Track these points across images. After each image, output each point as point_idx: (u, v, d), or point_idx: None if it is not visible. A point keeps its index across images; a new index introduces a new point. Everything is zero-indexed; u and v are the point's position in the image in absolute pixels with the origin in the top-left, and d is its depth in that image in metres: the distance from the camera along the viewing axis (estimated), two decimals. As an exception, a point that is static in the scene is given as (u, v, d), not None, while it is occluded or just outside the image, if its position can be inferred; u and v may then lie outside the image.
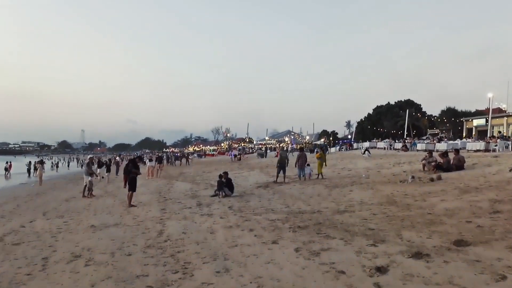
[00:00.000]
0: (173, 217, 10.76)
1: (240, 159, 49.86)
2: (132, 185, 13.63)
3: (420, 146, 36.48)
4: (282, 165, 19.76)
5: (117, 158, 53.93)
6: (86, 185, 17.48)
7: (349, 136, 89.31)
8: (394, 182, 15.73)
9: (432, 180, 14.89)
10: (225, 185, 15.28)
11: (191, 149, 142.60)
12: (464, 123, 59.85)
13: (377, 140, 51.31)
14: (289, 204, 12.20)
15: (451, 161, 17.49)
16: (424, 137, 54.46)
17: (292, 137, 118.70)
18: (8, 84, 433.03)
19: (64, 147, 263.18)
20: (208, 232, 8.59)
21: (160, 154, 56.44)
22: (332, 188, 15.63)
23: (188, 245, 7.51)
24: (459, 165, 17.30)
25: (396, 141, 45.92)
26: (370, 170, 21.33)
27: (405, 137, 50.82)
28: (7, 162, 39.34)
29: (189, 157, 57.78)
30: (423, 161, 18.60)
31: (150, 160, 31.92)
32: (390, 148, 41.24)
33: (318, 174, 20.19)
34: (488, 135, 43.09)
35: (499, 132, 40.02)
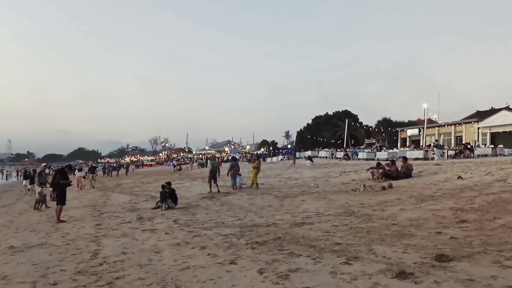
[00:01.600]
0: (110, 234, 9.41)
1: (180, 169, 48.17)
2: (60, 198, 12.05)
3: (361, 155, 36.92)
4: (213, 174, 19.16)
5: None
6: (36, 198, 16.07)
7: (289, 146, 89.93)
8: (345, 191, 15.23)
9: (384, 188, 14.53)
10: (168, 196, 14.03)
11: (127, 159, 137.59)
12: (399, 133, 62.01)
13: (319, 150, 51.62)
14: (240, 216, 11.22)
15: (400, 169, 17.34)
16: (362, 147, 55.66)
17: (232, 147, 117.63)
18: None
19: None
20: (152, 251, 7.39)
21: (93, 164, 53.35)
22: (282, 198, 14.86)
23: (129, 268, 6.30)
24: (407, 173, 17.19)
25: (337, 150, 46.36)
26: (318, 179, 20.86)
27: (344, 146, 51.53)
28: None
29: (130, 167, 55.35)
30: (371, 170, 18.37)
31: (80, 170, 29.85)
32: (332, 157, 41.49)
33: (252, 183, 19.52)
34: (423, 144, 44.66)
35: (436, 140, 41.48)
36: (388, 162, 18.54)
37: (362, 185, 15.19)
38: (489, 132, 48.42)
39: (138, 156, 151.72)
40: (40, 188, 16.16)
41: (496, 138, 47.22)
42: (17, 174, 60.39)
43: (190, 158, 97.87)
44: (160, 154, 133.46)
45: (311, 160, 33.28)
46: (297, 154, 51.78)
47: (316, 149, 53.81)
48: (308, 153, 46.65)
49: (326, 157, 42.33)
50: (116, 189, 25.24)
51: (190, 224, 10.23)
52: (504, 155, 31.24)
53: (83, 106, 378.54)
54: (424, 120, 43.06)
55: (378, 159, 31.79)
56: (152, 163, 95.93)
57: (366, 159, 34.85)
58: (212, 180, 19.03)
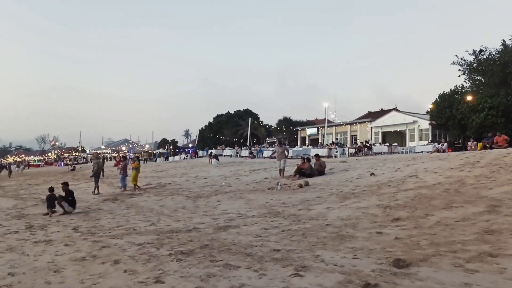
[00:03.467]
0: (-11, 249, 7.58)
1: (74, 169, 44.37)
2: None
3: (266, 153, 36.92)
4: (97, 174, 18.57)
5: None
6: None
7: (190, 145, 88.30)
8: (261, 190, 14.57)
9: (300, 186, 14.12)
10: (65, 199, 12.17)
11: (11, 159, 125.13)
12: (299, 132, 63.85)
13: (223, 148, 50.96)
14: (152, 220, 9.91)
15: (313, 167, 17.15)
16: (264, 145, 56.22)
17: (130, 145, 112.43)
18: None
19: None
20: (50, 270, 5.88)
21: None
22: (195, 198, 13.77)
23: (20, 296, 4.84)
24: (321, 170, 17.06)
25: (242, 148, 46.09)
26: (228, 178, 20.02)
27: (248, 144, 51.48)
28: None
29: (20, 166, 50.05)
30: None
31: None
32: (237, 156, 41.05)
33: (134, 186, 18.25)
34: (323, 143, 46.24)
35: (336, 139, 43.09)
36: (303, 159, 18.28)
37: (278, 184, 14.64)
38: (381, 132, 51.71)
39: (23, 156, 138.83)
40: None
41: (386, 137, 50.58)
42: None
43: (84, 157, 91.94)
44: (49, 154, 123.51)
45: (217, 159, 32.41)
46: (200, 153, 50.78)
47: (219, 147, 53.12)
48: (212, 151, 45.77)
49: (231, 155, 41.80)
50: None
51: (95, 232, 8.71)
52: (398, 152, 33.14)
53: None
54: (325, 119, 44.55)
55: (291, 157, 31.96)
56: (40, 163, 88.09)
57: (271, 157, 34.88)
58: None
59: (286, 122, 69.31)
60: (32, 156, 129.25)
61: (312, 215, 9.23)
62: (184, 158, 49.59)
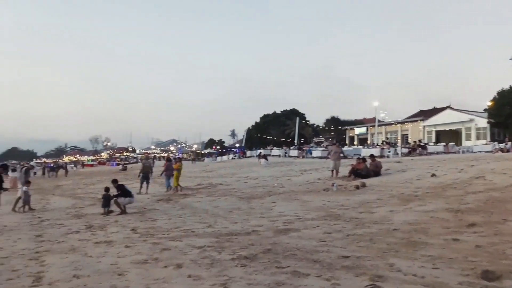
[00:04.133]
0: (54, 249, 7.64)
1: (125, 169, 45.56)
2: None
3: (315, 153, 36.37)
4: (145, 175, 18.61)
5: None
6: (19, 197, 13.71)
7: (237, 145, 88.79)
8: (316, 191, 14.19)
9: (357, 187, 13.62)
10: (119, 195, 12.28)
11: (66, 159, 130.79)
12: (347, 131, 62.64)
13: (271, 148, 50.77)
14: (209, 222, 9.76)
15: (369, 167, 16.57)
16: (312, 145, 55.54)
17: (179, 146, 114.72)
18: None
19: None
20: (113, 273, 5.80)
21: (26, 164, 49.59)
22: (248, 200, 13.56)
23: (87, 300, 4.75)
24: (376, 171, 16.47)
25: (290, 148, 45.68)
26: (279, 179, 19.74)
27: (296, 145, 50.97)
28: None
29: (77, 166, 52.11)
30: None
31: (13, 170, 27.25)
32: (285, 156, 40.74)
33: (176, 187, 18.15)
34: (372, 143, 45.00)
35: (387, 138, 41.90)
36: (359, 159, 17.68)
37: (333, 185, 14.19)
38: (434, 131, 49.76)
39: (77, 156, 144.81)
40: (25, 187, 14.05)
41: (440, 136, 48.56)
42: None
43: (134, 157, 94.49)
44: (102, 154, 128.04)
45: (266, 159, 32.21)
46: (248, 152, 50.82)
47: (268, 147, 52.93)
48: (261, 151, 45.65)
49: (279, 155, 41.54)
50: (56, 192, 22.83)
51: (153, 234, 8.65)
52: (454, 152, 31.67)
53: (9, 102, 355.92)
54: (375, 118, 43.36)
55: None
56: (94, 163, 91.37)
57: (321, 157, 34.31)
58: (145, 181, 18.40)
59: (333, 122, 68.15)
60: (86, 156, 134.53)
61: (375, 218, 8.77)
62: (232, 158, 49.83)
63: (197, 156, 72.28)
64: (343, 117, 74.07)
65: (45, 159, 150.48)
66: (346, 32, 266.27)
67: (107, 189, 12.97)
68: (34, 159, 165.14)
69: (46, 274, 5.87)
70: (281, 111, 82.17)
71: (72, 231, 9.53)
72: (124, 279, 5.48)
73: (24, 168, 16.12)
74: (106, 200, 12.49)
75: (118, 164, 69.18)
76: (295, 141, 54.19)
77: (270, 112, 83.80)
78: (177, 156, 47.85)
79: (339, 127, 64.08)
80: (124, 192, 12.39)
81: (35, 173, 31.50)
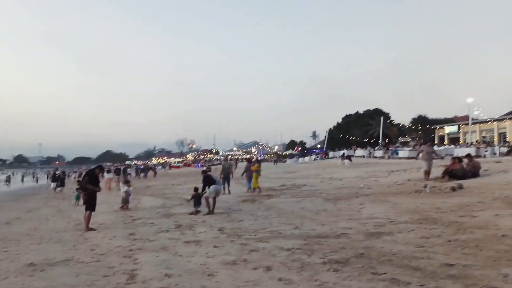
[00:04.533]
0: (146, 247, 7.85)
1: (210, 170, 46.76)
2: (89, 203, 10.60)
3: (402, 153, 34.74)
4: (226, 176, 18.65)
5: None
6: (123, 196, 15.18)
7: (318, 146, 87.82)
8: (407, 193, 13.38)
9: (453, 189, 12.61)
10: (204, 186, 12.70)
11: (155, 161, 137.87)
12: (436, 130, 59.21)
13: (355, 148, 49.50)
14: (296, 223, 9.51)
15: (465, 167, 15.34)
16: (397, 145, 53.26)
17: (260, 147, 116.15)
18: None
19: (20, 161, 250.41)
20: (204, 273, 5.77)
21: (119, 166, 52.88)
22: (334, 201, 13.12)
23: (179, 300, 4.72)
24: (475, 172, 15.19)
25: (375, 148, 44.16)
26: (365, 180, 19.00)
27: (380, 145, 49.16)
28: None
29: (167, 167, 54.79)
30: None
31: (108, 171, 29.11)
32: (369, 156, 39.43)
33: (255, 188, 17.95)
34: (465, 142, 42.06)
35: (484, 137, 38.94)
36: (454, 159, 16.42)
37: (427, 186, 13.30)
38: (537, 128, 45.42)
39: (165, 157, 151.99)
40: (126, 187, 15.19)
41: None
42: (47, 177, 60.18)
43: (218, 159, 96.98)
44: (187, 156, 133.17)
45: (350, 160, 31.35)
46: (331, 154, 49.92)
47: (352, 147, 51.59)
48: (344, 152, 44.63)
49: (363, 156, 40.29)
50: (146, 192, 23.91)
51: (240, 234, 8.59)
52: None
53: (105, 109, 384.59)
54: (469, 116, 40.47)
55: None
56: (180, 164, 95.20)
57: (408, 158, 32.68)
58: (225, 182, 18.42)
59: (420, 121, 64.73)
60: (172, 158, 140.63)
61: (478, 223, 7.97)
62: (314, 159, 49.27)
63: (279, 157, 72.39)
64: (430, 115, 70.14)
65: (136, 161, 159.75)
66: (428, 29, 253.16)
67: (196, 189, 13.36)
68: (126, 162, 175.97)
69: (139, 272, 5.99)
70: (364, 111, 79.85)
71: (163, 230, 9.79)
72: (214, 280, 5.41)
73: (123, 168, 17.19)
74: (197, 199, 12.85)
75: (202, 166, 71.45)
76: (380, 141, 52.25)
77: (352, 112, 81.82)
78: (254, 158, 48.54)
79: (427, 126, 60.71)
80: (209, 181, 12.66)
81: (129, 174, 33.69)
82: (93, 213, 10.78)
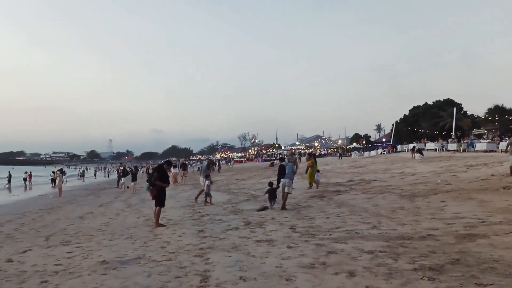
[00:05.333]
0: (217, 246, 7.56)
1: (273, 164, 46.50)
2: (159, 199, 10.55)
3: (479, 146, 32.48)
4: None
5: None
6: (202, 190, 15.29)
7: (384, 139, 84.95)
8: (493, 189, 12.19)
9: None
10: (279, 177, 12.71)
11: (218, 156, 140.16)
12: (515, 121, 55.10)
13: (425, 141, 47.16)
14: (372, 222, 8.86)
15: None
16: (472, 137, 50.13)
17: (323, 141, 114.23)
18: (38, 98, 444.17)
19: (93, 157, 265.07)
20: (280, 277, 5.34)
21: (185, 161, 54.16)
22: (410, 198, 12.23)
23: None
24: None
25: (448, 141, 41.71)
26: (441, 175, 17.74)
27: (452, 137, 46.41)
28: (26, 172, 37.17)
29: (232, 161, 55.72)
30: None
31: (175, 166, 29.82)
32: (442, 149, 37.30)
33: (310, 184, 17.28)
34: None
35: None
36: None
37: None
38: None
39: (228, 152, 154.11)
40: (207, 181, 15.21)
41: None
42: (117, 172, 62.94)
43: (280, 153, 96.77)
44: (250, 150, 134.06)
45: (421, 153, 29.74)
46: (399, 147, 47.93)
47: (422, 140, 49.18)
48: (415, 145, 42.59)
49: (435, 149, 38.20)
50: (212, 187, 23.97)
51: (314, 234, 8.09)
52: None
53: (171, 105, 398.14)
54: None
55: (501, 150, 27.48)
56: (243, 159, 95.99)
57: (486, 151, 30.51)
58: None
59: (498, 111, 60.39)
60: (235, 153, 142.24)
61: None
62: (381, 153, 47.50)
63: (343, 151, 70.81)
64: (507, 105, 65.29)
65: (200, 156, 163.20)
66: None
67: (270, 184, 13.16)
68: (191, 156, 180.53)
69: (212, 274, 5.67)
70: (433, 102, 76.09)
71: (232, 227, 9.51)
72: (293, 285, 4.97)
73: (206, 163, 17.35)
74: (272, 193, 12.65)
75: (265, 160, 71.45)
76: (452, 133, 49.37)
77: (420, 104, 78.22)
78: (307, 152, 47.61)
79: (505, 116, 56.61)
80: (283, 172, 12.60)
81: (212, 169, 34.88)
82: (162, 209, 10.74)
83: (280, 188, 12.50)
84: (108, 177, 60.09)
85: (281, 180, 12.49)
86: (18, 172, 43.37)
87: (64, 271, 6.41)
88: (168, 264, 6.39)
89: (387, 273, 5.16)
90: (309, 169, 17.88)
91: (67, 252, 7.80)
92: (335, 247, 6.75)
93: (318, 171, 18.32)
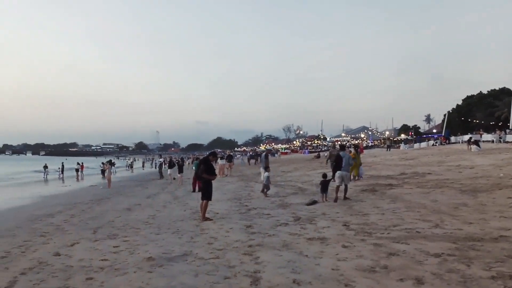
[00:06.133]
0: (266, 243, 7.15)
1: (319, 156, 45.74)
2: (206, 192, 10.25)
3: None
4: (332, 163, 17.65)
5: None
6: (263, 182, 15.05)
7: (434, 130, 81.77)
8: None
9: None
10: (335, 170, 12.49)
11: (262, 147, 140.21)
12: None
13: (481, 132, 44.80)
14: (434, 220, 8.15)
15: None
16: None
17: (370, 133, 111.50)
18: (89, 91, 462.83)
19: (141, 148, 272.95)
20: (338, 281, 4.86)
21: (230, 153, 54.35)
22: (472, 193, 11.35)
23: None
24: None
25: (506, 132, 39.32)
26: (503, 168, 16.54)
27: (510, 128, 43.73)
28: (77, 163, 38.35)
29: (279, 153, 55.66)
30: None
31: (222, 158, 29.78)
32: (499, 141, 35.21)
33: (355, 176, 16.98)
34: None
35: None
36: None
37: None
38: None
39: (272, 144, 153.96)
40: (267, 173, 14.96)
41: None
42: (164, 163, 63.99)
43: (325, 145, 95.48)
44: (294, 142, 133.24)
45: (478, 145, 28.13)
46: (453, 138, 45.88)
47: (477, 131, 46.71)
48: (471, 137, 40.50)
49: (493, 140, 36.12)
50: (258, 179, 23.66)
51: (370, 232, 7.51)
52: None
53: (215, 97, 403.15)
54: None
55: None
56: (287, 151, 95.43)
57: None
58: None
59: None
60: (279, 145, 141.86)
61: None
62: (433, 145, 45.58)
63: (392, 143, 68.77)
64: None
65: (244, 148, 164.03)
66: None
67: (324, 175, 12.94)
68: (235, 148, 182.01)
69: (263, 275, 5.27)
70: (488, 91, 72.28)
71: (281, 223, 9.08)
72: (354, 293, 4.47)
73: (264, 153, 17.06)
74: (324, 185, 12.42)
75: (310, 152, 70.62)
76: (509, 124, 46.56)
77: (475, 93, 74.51)
78: (347, 144, 46.52)
79: None
80: (339, 165, 12.31)
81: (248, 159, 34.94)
82: (209, 202, 10.46)
83: (336, 181, 12.19)
84: (156, 168, 61.12)
85: (337, 172, 12.22)
86: (71, 163, 44.89)
87: (110, 267, 6.20)
88: (215, 263, 6.05)
89: (461, 281, 4.57)
90: (353, 161, 17.27)
91: (114, 247, 7.63)
92: (396, 248, 6.18)
93: (360, 164, 17.81)
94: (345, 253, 6.11)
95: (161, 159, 44.00)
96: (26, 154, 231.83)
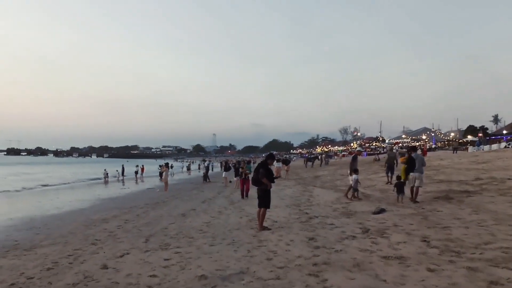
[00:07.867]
0: (334, 262, 6.18)
1: (379, 159, 43.75)
2: (264, 200, 9.41)
3: None
4: (390, 165, 18.54)
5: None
6: (351, 185, 14.20)
7: (504, 131, 76.51)
8: None
9: None
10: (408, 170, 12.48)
11: (318, 149, 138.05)
12: None
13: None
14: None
15: None
16: None
17: (433, 134, 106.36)
18: (148, 95, 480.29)
19: (198, 150, 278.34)
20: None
21: (287, 156, 53.45)
22: None
23: None
24: None
25: None
26: None
27: None
28: (137, 166, 38.97)
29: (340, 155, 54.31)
30: None
31: (278, 161, 29.02)
32: None
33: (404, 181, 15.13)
34: None
35: None
36: None
37: None
38: None
39: (328, 146, 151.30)
40: (355, 175, 14.07)
41: None
42: (220, 166, 64.03)
43: (384, 147, 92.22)
44: (352, 144, 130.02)
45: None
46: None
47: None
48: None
49: None
50: (316, 183, 22.64)
51: (457, 250, 6.33)
52: None
53: (270, 100, 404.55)
54: None
55: None
56: (345, 153, 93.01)
57: None
58: (389, 172, 18.32)
59: None
60: (336, 147, 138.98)
61: None
62: (506, 147, 42.26)
63: (458, 145, 65.06)
64: None
65: (300, 150, 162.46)
66: None
67: (398, 177, 12.86)
68: (291, 150, 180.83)
69: (335, 306, 4.34)
70: None
71: (347, 235, 8.07)
72: None
73: (353, 156, 15.94)
74: (400, 187, 12.31)
75: (368, 154, 68.23)
76: None
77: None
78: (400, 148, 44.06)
79: None
80: (412, 165, 12.24)
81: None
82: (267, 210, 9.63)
83: (408, 182, 12.19)
84: (212, 170, 61.38)
85: (411, 174, 12.23)
86: (132, 165, 45.94)
87: (158, 286, 5.52)
88: (276, 285, 5.21)
89: None
90: (403, 165, 15.90)
91: (165, 260, 6.98)
92: (497, 274, 5.04)
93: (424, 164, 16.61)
94: (433, 279, 5.04)
95: (207, 163, 43.49)
96: (91, 157, 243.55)
